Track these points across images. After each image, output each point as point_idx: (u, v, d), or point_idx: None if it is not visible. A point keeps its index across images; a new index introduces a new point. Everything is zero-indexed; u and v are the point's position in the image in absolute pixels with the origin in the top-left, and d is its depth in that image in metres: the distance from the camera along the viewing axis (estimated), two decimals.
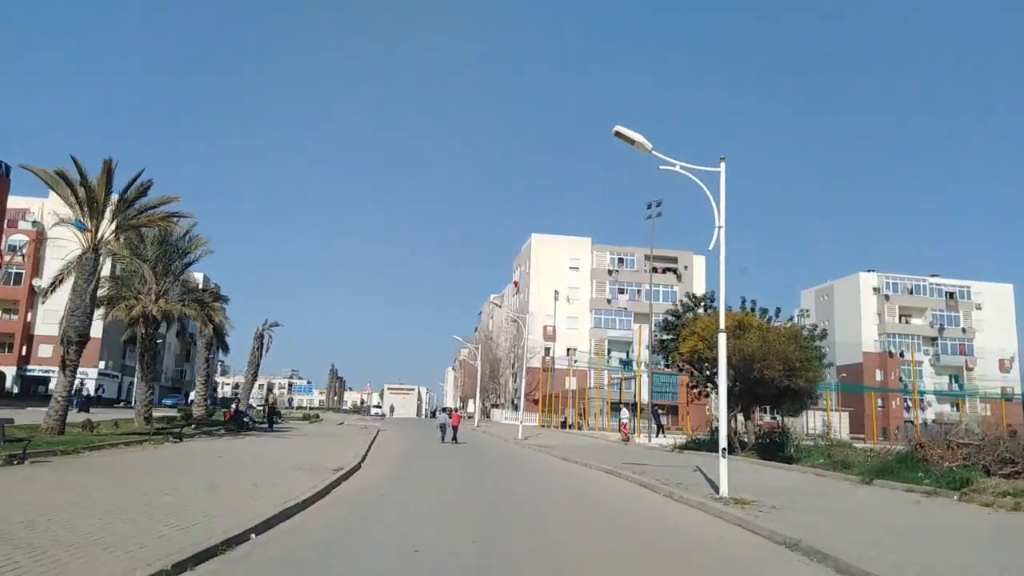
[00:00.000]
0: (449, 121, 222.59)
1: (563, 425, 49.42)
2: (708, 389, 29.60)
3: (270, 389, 36.94)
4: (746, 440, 24.78)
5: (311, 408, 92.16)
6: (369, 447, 23.79)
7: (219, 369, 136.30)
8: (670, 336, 33.61)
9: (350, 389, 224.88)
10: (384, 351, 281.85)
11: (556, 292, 59.97)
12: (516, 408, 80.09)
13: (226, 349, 33.01)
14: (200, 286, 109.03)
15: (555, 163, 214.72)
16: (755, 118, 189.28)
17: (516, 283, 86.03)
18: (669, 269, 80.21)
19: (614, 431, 43.33)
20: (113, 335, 75.11)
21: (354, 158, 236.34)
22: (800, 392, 23.05)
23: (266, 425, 31.86)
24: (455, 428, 30.73)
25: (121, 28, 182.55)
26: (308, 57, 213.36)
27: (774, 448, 24.59)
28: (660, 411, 44.76)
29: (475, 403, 63.23)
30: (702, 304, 33.33)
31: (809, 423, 42.47)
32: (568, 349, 73.67)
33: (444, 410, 34.95)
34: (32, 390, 67.01)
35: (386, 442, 30.04)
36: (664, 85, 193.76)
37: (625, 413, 38.70)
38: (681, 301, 35.37)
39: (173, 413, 33.96)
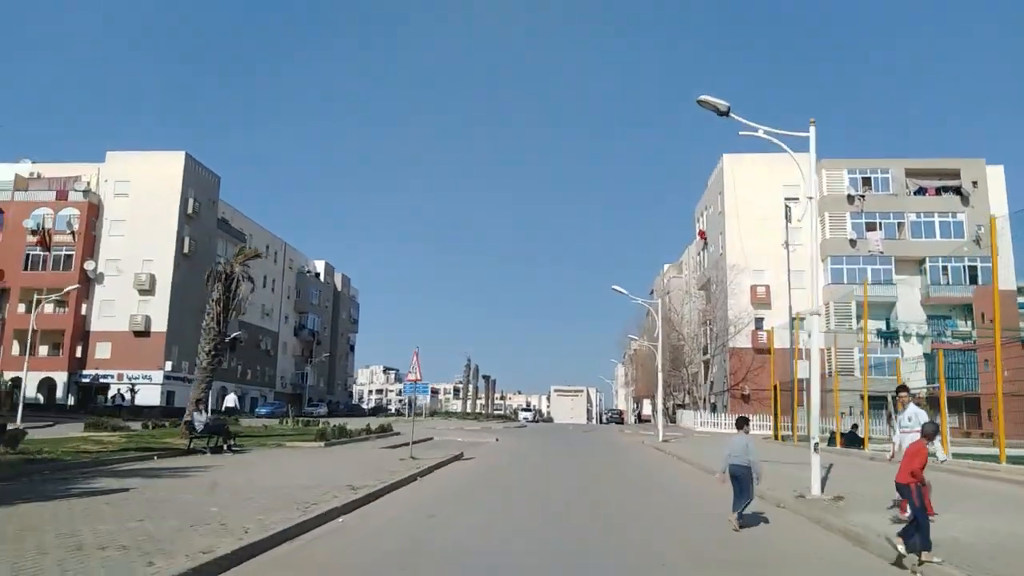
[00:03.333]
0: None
1: (851, 440, 24.35)
2: None
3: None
4: None
5: (409, 414, 72.18)
6: None
7: (356, 372, 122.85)
8: None
9: (519, 392, 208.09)
10: (549, 351, 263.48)
11: (787, 207, 35.36)
12: (714, 409, 55.59)
13: None
14: (318, 274, 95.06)
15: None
16: None
17: (702, 233, 61.27)
18: (947, 188, 51.88)
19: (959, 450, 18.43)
20: (186, 329, 60.51)
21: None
22: None
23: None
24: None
25: None
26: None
27: None
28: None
29: (657, 401, 39.85)
30: None
31: None
32: (794, 318, 47.69)
33: (743, 421, 10.04)
34: (90, 399, 52.98)
35: None
36: None
37: (911, 414, 9.78)
38: None
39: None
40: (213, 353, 21.13)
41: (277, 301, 79.73)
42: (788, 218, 36.61)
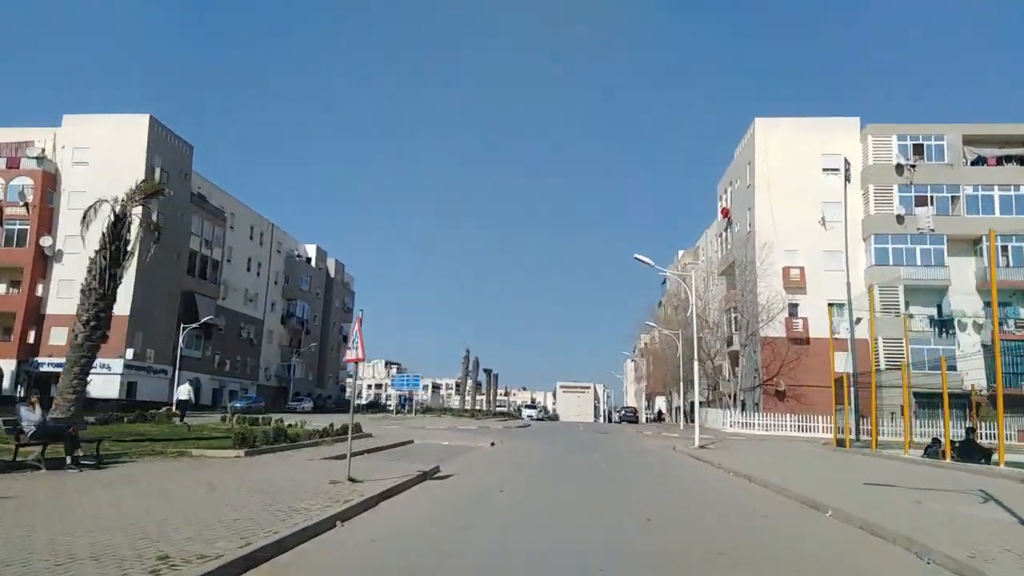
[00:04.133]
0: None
1: (969, 450, 17.64)
2: None
3: None
4: None
5: (389, 410, 66.99)
6: None
7: (351, 369, 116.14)
8: None
9: (523, 388, 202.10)
10: (555, 347, 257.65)
11: (846, 164, 29.24)
12: (743, 407, 49.63)
13: None
14: (309, 259, 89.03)
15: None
16: None
17: (725, 211, 55.08)
18: (1011, 157, 45.67)
19: None
20: (153, 313, 54.84)
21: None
22: None
23: None
24: None
25: None
26: None
27: None
28: None
29: (679, 399, 33.83)
30: None
31: None
32: (830, 304, 41.42)
33: None
34: (42, 389, 47.21)
35: None
36: None
37: None
38: None
39: None
40: (94, 324, 15.28)
41: (262, 286, 73.87)
42: (847, 177, 30.58)
